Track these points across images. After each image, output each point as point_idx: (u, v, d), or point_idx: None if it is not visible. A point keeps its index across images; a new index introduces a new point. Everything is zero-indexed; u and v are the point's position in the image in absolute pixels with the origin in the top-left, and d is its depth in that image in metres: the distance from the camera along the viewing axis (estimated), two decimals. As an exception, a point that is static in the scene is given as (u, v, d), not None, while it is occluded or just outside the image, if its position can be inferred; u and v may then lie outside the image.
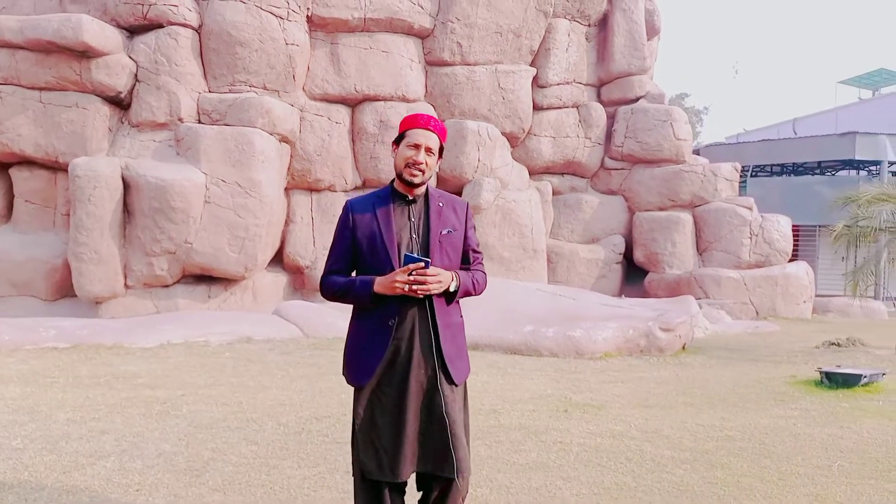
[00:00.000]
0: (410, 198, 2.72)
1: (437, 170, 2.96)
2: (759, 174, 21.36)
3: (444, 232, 2.70)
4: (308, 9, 12.49)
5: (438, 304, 2.62)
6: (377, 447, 2.62)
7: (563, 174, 15.68)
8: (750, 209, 14.79)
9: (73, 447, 4.09)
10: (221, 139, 11.56)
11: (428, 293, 2.53)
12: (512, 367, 7.21)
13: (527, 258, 14.04)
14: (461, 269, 2.75)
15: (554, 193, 15.46)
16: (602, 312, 8.80)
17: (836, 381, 6.47)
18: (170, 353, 7.37)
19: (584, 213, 15.47)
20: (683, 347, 8.62)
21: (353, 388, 2.70)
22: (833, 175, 21.80)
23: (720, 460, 4.22)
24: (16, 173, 12.51)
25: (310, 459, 4.02)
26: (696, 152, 19.10)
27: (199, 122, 11.96)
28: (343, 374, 2.76)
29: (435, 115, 2.69)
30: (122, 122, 12.15)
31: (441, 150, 2.76)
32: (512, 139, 14.64)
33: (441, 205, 2.76)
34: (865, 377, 6.41)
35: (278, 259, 13.20)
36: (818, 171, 21.62)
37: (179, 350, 7.57)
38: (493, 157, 14.03)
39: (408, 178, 2.66)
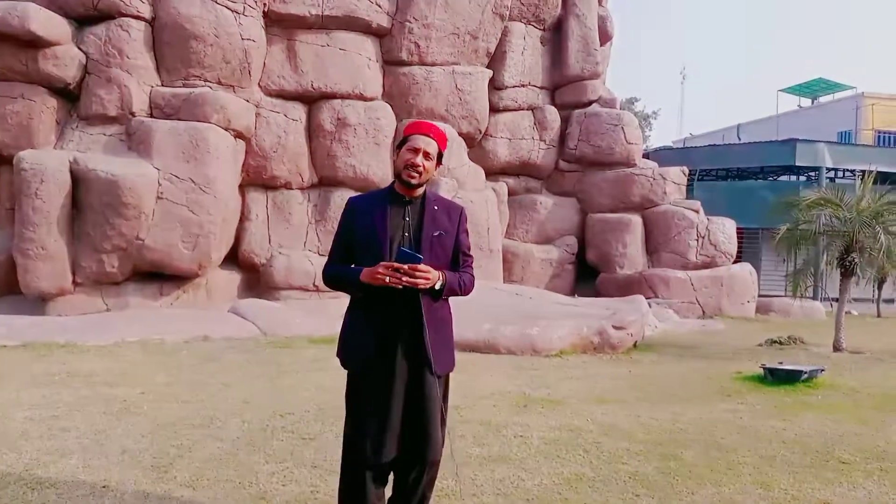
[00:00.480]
0: (407, 199, 2.87)
1: (436, 175, 3.11)
2: (705, 178, 22.10)
3: (436, 234, 2.85)
4: (265, 4, 12.37)
5: (425, 300, 2.77)
6: (364, 430, 2.77)
7: (518, 175, 15.92)
8: (697, 212, 15.31)
9: (35, 445, 4.02)
10: (175, 134, 11.35)
11: (414, 286, 2.66)
12: (472, 365, 7.33)
13: (483, 257, 14.17)
14: (450, 270, 2.89)
15: (510, 194, 15.68)
16: (557, 311, 9.02)
17: (778, 377, 6.81)
18: (125, 352, 7.24)
19: (538, 213, 15.75)
20: (635, 345, 8.91)
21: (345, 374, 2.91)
22: (775, 180, 22.71)
23: (672, 451, 4.43)
24: (-45, 166, 12.02)
25: (276, 455, 4.05)
26: (646, 156, 19.64)
27: (152, 116, 11.72)
28: (338, 356, 2.99)
29: (432, 124, 2.83)
30: (71, 115, 11.81)
31: (440, 156, 2.91)
32: (469, 140, 14.79)
33: (436, 208, 2.90)
34: (805, 373, 6.76)
35: (233, 256, 13.01)
36: (761, 175, 22.50)
37: (135, 348, 7.45)
38: (451, 157, 14.12)
39: (405, 179, 2.82)
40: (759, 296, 16.27)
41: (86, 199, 10.93)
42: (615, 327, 8.54)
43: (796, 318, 14.93)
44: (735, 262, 15.63)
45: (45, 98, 11.50)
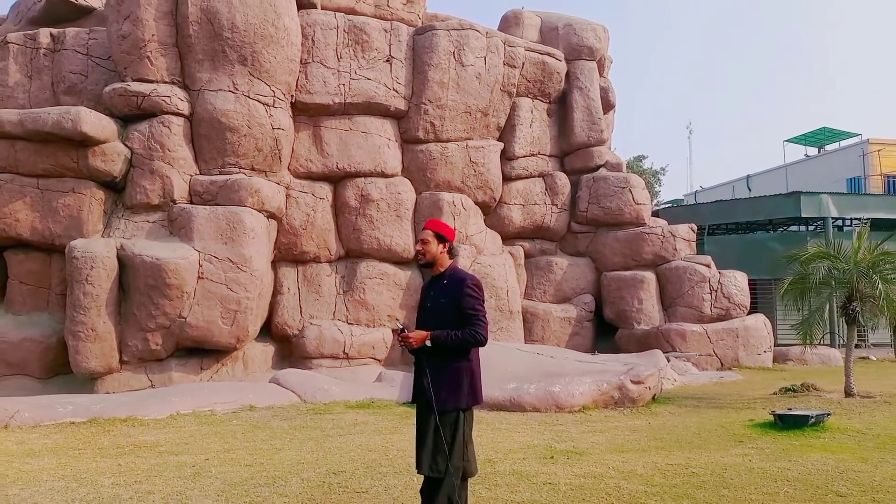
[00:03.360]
0: (435, 276, 4.06)
1: (443, 250, 4.09)
2: (715, 232, 22.71)
3: (441, 301, 3.91)
4: (292, 96, 13.48)
5: (431, 353, 3.83)
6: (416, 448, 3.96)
7: (533, 238, 16.65)
8: (708, 266, 15.88)
9: (127, 506, 4.65)
10: (213, 218, 12.26)
11: (411, 346, 3.83)
12: (499, 423, 7.87)
13: (504, 319, 14.82)
14: (456, 329, 3.85)
15: (526, 256, 16.39)
16: (578, 368, 9.55)
17: (787, 422, 7.28)
18: (181, 423, 7.87)
19: (554, 274, 16.40)
20: (654, 398, 9.38)
21: None
22: (784, 231, 23.27)
23: (686, 492, 4.94)
24: (11, 256, 12.97)
25: (335, 507, 4.64)
26: (656, 214, 20.36)
27: (192, 202, 12.66)
28: None
29: (430, 220, 4.20)
30: (117, 205, 12.79)
31: (437, 236, 4.05)
32: (484, 208, 15.63)
33: (445, 282, 3.98)
34: (812, 418, 7.23)
35: (266, 328, 13.73)
36: (770, 227, 23.08)
37: (189, 420, 8.08)
38: (468, 225, 14.96)
39: (418, 261, 4.05)
40: (777, 345, 16.63)
41: (132, 282, 11.77)
42: (634, 382, 9.05)
43: (813, 365, 15.25)
44: (749, 313, 16.06)
45: (94, 191, 12.48)
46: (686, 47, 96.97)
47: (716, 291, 15.76)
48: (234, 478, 5.36)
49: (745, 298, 15.93)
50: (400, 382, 10.26)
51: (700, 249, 18.15)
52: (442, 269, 4.01)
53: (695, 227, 16.77)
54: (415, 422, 3.99)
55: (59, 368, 12.46)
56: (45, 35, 13.62)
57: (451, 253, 4.06)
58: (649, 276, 15.89)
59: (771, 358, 15.58)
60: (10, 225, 12.33)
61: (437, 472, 3.75)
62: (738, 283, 15.95)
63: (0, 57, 13.67)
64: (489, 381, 9.24)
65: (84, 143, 12.03)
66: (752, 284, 17.59)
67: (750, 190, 33.51)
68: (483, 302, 3.93)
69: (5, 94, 13.62)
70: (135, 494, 4.91)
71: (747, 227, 23.11)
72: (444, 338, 3.79)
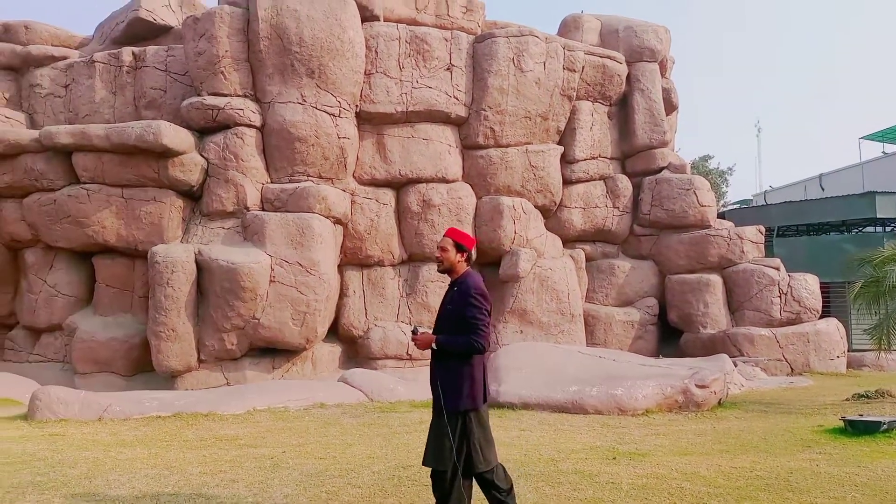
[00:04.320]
0: (452, 283, 4.28)
1: (461, 258, 4.28)
2: (784, 234, 22.05)
3: (449, 308, 4.17)
4: (357, 106, 13.93)
5: (437, 356, 4.11)
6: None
7: (594, 241, 16.62)
8: (777, 269, 15.50)
9: (215, 492, 5.03)
10: (284, 224, 12.81)
11: (420, 348, 4.13)
12: (561, 424, 7.99)
13: (565, 322, 14.86)
14: (460, 334, 4.06)
15: (587, 260, 16.37)
16: (641, 372, 9.56)
17: (858, 428, 7.13)
18: (257, 418, 8.33)
19: (616, 277, 16.32)
20: (720, 403, 9.30)
21: None
22: (859, 232, 22.37)
23: (749, 494, 4.98)
24: (98, 261, 13.87)
25: (406, 498, 4.89)
26: (723, 216, 19.96)
27: (263, 209, 13.26)
28: None
29: (449, 229, 4.48)
30: (195, 212, 13.51)
31: (456, 245, 4.24)
32: (544, 211, 15.71)
33: (455, 289, 4.20)
34: (885, 424, 7.06)
35: (333, 330, 14.22)
36: (843, 228, 22.24)
37: (265, 415, 8.53)
38: (528, 229, 15.08)
39: (437, 268, 4.34)
40: (851, 350, 16.06)
41: (209, 286, 12.43)
42: (699, 386, 9.00)
43: (891, 371, 14.67)
44: (821, 317, 15.58)
45: (173, 199, 13.24)
46: (753, 43, 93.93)
47: (785, 295, 15.37)
48: (310, 469, 5.70)
49: (816, 302, 15.46)
50: (463, 383, 10.48)
51: (769, 252, 17.69)
52: (456, 276, 4.22)
53: (763, 230, 16.38)
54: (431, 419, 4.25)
55: (142, 366, 13.26)
56: (127, 54, 14.52)
57: (469, 261, 4.26)
58: (715, 279, 15.63)
59: (844, 363, 15.07)
60: (97, 232, 13.20)
61: (442, 466, 3.97)
62: (808, 286, 15.50)
63: (87, 75, 14.65)
64: (550, 382, 9.37)
65: (164, 154, 12.77)
66: (824, 288, 17.04)
67: (823, 189, 32.26)
68: (485, 311, 4.10)
69: (92, 109, 14.58)
70: (220, 482, 5.30)
71: (819, 228, 22.33)
72: (447, 343, 4.05)
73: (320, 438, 7.16)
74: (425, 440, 4.17)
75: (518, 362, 10.00)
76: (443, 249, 4.22)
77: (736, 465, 5.87)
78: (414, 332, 4.09)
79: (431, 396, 4.21)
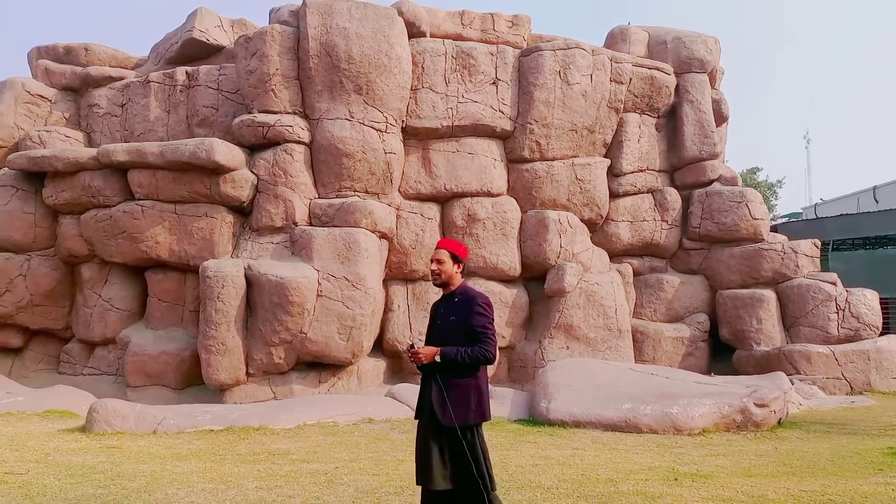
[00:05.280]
0: (446, 295, 4.19)
1: (458, 270, 4.26)
2: (839, 248, 21.34)
3: (451, 319, 4.06)
4: (403, 121, 14.02)
5: (440, 369, 3.96)
6: (417, 462, 4.12)
7: (642, 256, 16.31)
8: (834, 284, 14.97)
9: (273, 508, 5.04)
10: (331, 239, 12.91)
11: (421, 363, 3.96)
12: (615, 443, 7.80)
13: (612, 338, 14.58)
14: (465, 345, 3.98)
15: (634, 274, 16.07)
16: (697, 390, 9.29)
17: (934, 451, 6.77)
18: (307, 433, 8.35)
19: (665, 292, 15.97)
20: (779, 423, 8.97)
21: None
22: (920, 245, 21.52)
23: (824, 520, 4.74)
24: (150, 275, 14.18)
25: (464, 518, 4.80)
26: (774, 229, 19.41)
27: (311, 224, 13.39)
28: None
29: (443, 240, 4.54)
30: (244, 228, 13.72)
31: (452, 256, 4.17)
32: (591, 225, 15.50)
33: (456, 300, 4.14)
34: (963, 447, 6.69)
35: (378, 345, 14.23)
36: (903, 242, 21.42)
37: (314, 430, 8.55)
38: (574, 243, 14.89)
39: (433, 281, 4.21)
40: (916, 369, 15.34)
41: (258, 300, 12.58)
42: (757, 405, 8.70)
43: (960, 391, 13.95)
44: (881, 334, 14.97)
45: (224, 215, 13.46)
46: (803, 55, 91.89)
47: (843, 311, 14.81)
48: (364, 486, 5.66)
49: (876, 318, 14.86)
50: (511, 399, 10.36)
51: (824, 266, 17.11)
52: (453, 288, 4.15)
53: (818, 243, 15.86)
54: (421, 438, 4.12)
55: (192, 380, 13.47)
56: (181, 73, 14.92)
57: (463, 272, 4.25)
58: (769, 295, 15.16)
59: (909, 383, 14.41)
60: (151, 247, 13.51)
61: (455, 484, 3.89)
62: (868, 301, 14.91)
63: (143, 94, 15.10)
64: (601, 400, 9.17)
65: (216, 171, 13.02)
66: (884, 303, 16.39)
67: (877, 202, 31.22)
68: (492, 320, 4.06)
69: (147, 128, 15.00)
70: (277, 498, 5.29)
71: (876, 242, 21.55)
72: (454, 355, 3.92)
73: (371, 454, 7.12)
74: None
75: (568, 378, 9.83)
76: (439, 262, 4.15)
77: (805, 488, 5.62)
78: (411, 347, 3.99)
79: (416, 415, 4.13)
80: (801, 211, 39.33)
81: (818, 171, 76.90)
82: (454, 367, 3.92)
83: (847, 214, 22.92)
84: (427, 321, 4.19)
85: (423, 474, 3.96)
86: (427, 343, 4.13)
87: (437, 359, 3.92)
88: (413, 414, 4.35)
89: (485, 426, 7.90)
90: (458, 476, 3.86)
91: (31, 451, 7.19)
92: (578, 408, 8.89)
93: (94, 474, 6.16)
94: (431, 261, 4.19)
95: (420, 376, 4.28)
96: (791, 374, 13.40)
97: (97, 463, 6.65)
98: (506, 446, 7.55)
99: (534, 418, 9.37)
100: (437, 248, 4.20)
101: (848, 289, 15.05)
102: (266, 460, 6.82)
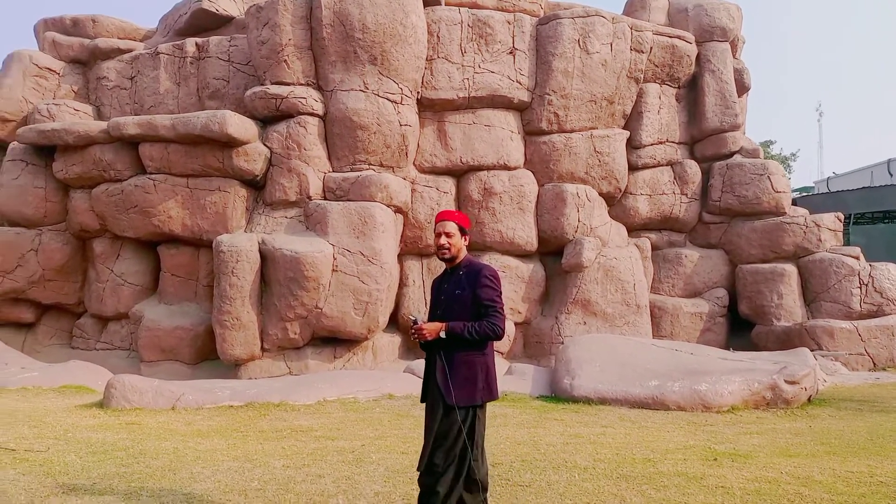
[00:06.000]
0: (450, 270, 3.94)
1: (466, 243, 4.02)
2: (860, 222, 20.96)
3: (457, 293, 3.80)
4: (418, 92, 13.68)
5: (446, 345, 3.72)
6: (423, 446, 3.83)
7: (660, 230, 16.03)
8: (857, 258, 14.68)
9: (303, 488, 4.86)
10: (346, 213, 12.67)
11: (424, 339, 3.71)
12: (644, 421, 7.61)
13: (630, 313, 14.37)
14: (472, 320, 3.74)
15: (652, 249, 15.80)
16: (723, 366, 9.08)
17: (977, 430, 6.56)
18: (328, 409, 8.20)
19: (684, 267, 15.72)
20: (809, 400, 8.77)
21: None
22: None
23: (876, 502, 4.54)
24: (163, 250, 14.02)
25: (503, 499, 4.63)
26: (793, 203, 19.03)
27: (325, 198, 13.15)
28: None
29: (448, 211, 4.11)
30: (258, 202, 13.49)
31: (462, 230, 3.94)
32: (609, 199, 15.20)
33: (461, 273, 3.88)
34: None
35: (393, 320, 14.06)
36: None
37: (335, 406, 8.40)
38: (592, 217, 14.61)
39: (440, 257, 3.93)
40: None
41: (272, 275, 12.40)
42: (788, 381, 8.49)
43: (985, 367, 13.72)
44: (905, 309, 14.68)
45: (237, 189, 13.23)
46: (813, 25, 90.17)
47: (866, 286, 14.54)
48: (394, 465, 5.49)
49: (900, 293, 14.58)
50: (531, 375, 10.19)
51: (845, 241, 16.79)
52: (459, 261, 3.90)
53: (841, 217, 15.52)
54: (430, 423, 3.84)
55: (206, 354, 13.37)
56: (190, 44, 14.58)
57: (469, 245, 4.00)
58: (790, 269, 14.89)
59: (933, 358, 14.18)
60: (163, 222, 13.31)
61: (441, 468, 3.64)
62: (891, 276, 14.62)
63: (152, 67, 14.79)
64: (626, 376, 8.97)
65: (229, 144, 12.76)
66: (907, 278, 16.05)
67: (892, 175, 30.70)
68: (501, 293, 3.79)
69: (157, 101, 14.72)
70: (307, 477, 5.13)
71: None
72: (461, 330, 3.67)
73: (396, 431, 6.96)
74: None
75: (590, 354, 9.63)
76: (448, 235, 3.85)
77: (851, 468, 5.43)
78: (414, 323, 3.70)
79: (423, 397, 3.94)
80: (812, 185, 38.80)
81: (830, 144, 75.82)
82: (461, 344, 3.68)
83: (868, 187, 22.50)
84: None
85: (421, 459, 3.75)
86: (430, 320, 3.89)
87: (443, 335, 3.68)
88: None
89: (509, 402, 7.73)
90: (453, 455, 3.64)
91: (50, 428, 7.07)
92: (603, 384, 8.70)
93: (116, 451, 6.02)
94: (438, 234, 3.85)
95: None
96: (814, 350, 13.18)
97: (118, 440, 6.52)
98: (532, 423, 7.38)
99: (556, 395, 9.20)
100: (442, 220, 3.89)
101: (871, 263, 14.75)
102: (290, 437, 6.67)
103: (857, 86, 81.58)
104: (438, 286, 3.96)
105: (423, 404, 3.92)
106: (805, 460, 5.72)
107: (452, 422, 3.62)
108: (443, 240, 3.83)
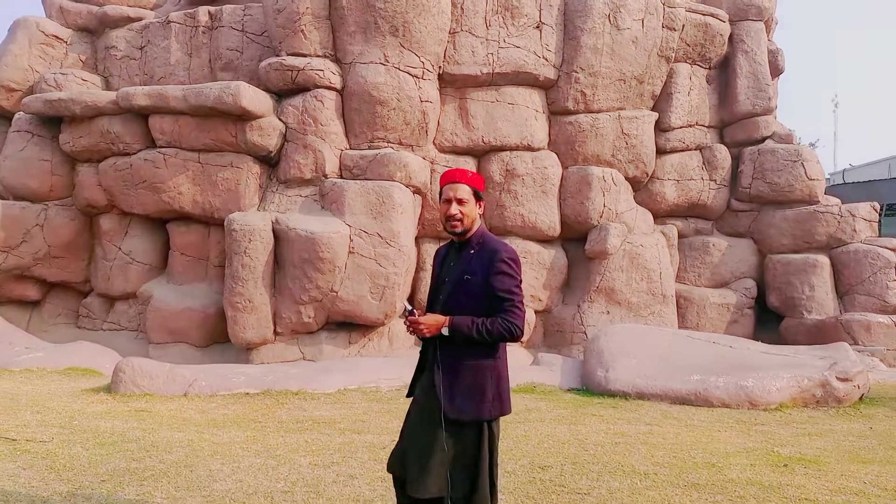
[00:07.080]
0: (458, 244, 3.07)
1: (481, 212, 3.11)
2: (888, 213, 20.32)
3: (464, 278, 2.93)
4: (440, 67, 13.06)
5: (446, 346, 2.93)
6: (398, 445, 3.08)
7: (687, 217, 15.43)
8: (894, 250, 14.08)
9: (336, 491, 4.36)
10: (364, 193, 12.12)
11: (420, 334, 2.91)
12: (689, 419, 7.10)
13: (655, 303, 13.83)
14: (483, 313, 2.92)
15: (679, 236, 15.22)
16: (769, 361, 8.55)
17: None
18: (350, 399, 7.69)
19: (711, 256, 15.14)
20: (861, 398, 8.23)
21: None
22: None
23: None
24: (173, 228, 13.50)
25: (559, 510, 4.12)
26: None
27: (342, 177, 12.59)
28: None
29: (459, 169, 3.20)
30: (272, 179, 12.95)
31: (476, 195, 3.00)
32: (635, 183, 14.61)
33: (472, 252, 2.99)
34: None
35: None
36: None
37: (357, 395, 7.89)
38: (618, 202, 14.04)
39: (450, 230, 2.99)
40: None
41: (286, 256, 11.87)
42: (840, 378, 7.95)
43: None
44: (942, 303, 14.10)
45: (250, 165, 12.68)
46: (829, 16, 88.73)
47: (903, 279, 13.95)
48: (432, 466, 4.97)
49: (938, 287, 13.99)
50: (560, 367, 9.67)
51: (878, 232, 16.17)
52: (471, 235, 2.98)
53: (877, 207, 14.90)
54: (415, 427, 3.07)
55: (217, 337, 12.89)
56: (203, 13, 13.97)
57: (483, 214, 3.12)
58: (823, 260, 14.29)
59: (973, 355, 13.61)
60: (173, 198, 12.79)
61: (452, 494, 2.83)
62: (929, 269, 14.03)
63: (163, 36, 14.18)
64: (665, 370, 8.45)
65: (242, 117, 12.21)
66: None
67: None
68: (520, 283, 2.95)
69: (167, 71, 14.12)
70: (337, 478, 4.63)
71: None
72: (468, 328, 2.84)
73: (427, 426, 6.44)
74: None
75: (624, 346, 9.10)
76: (461, 202, 2.93)
77: (938, 480, 4.89)
78: (410, 314, 2.89)
79: (409, 394, 3.23)
80: (828, 177, 38.07)
81: (845, 136, 74.76)
82: (467, 344, 2.87)
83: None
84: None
85: (416, 479, 2.86)
86: (429, 307, 3.10)
87: (445, 332, 2.86)
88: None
89: (540, 395, 7.14)
90: (456, 480, 2.83)
91: (55, 414, 6.59)
92: (642, 379, 8.18)
93: (125, 443, 5.53)
94: (447, 200, 2.93)
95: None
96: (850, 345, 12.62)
97: (127, 429, 6.03)
98: (570, 419, 6.86)
99: (588, 388, 8.69)
100: (452, 181, 2.97)
101: (908, 255, 14.15)
102: (312, 429, 6.16)
103: (874, 79, 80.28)
104: (443, 263, 3.11)
105: (413, 399, 3.21)
106: (881, 467, 5.20)
107: (454, 437, 2.85)
108: (453, 208, 2.92)
